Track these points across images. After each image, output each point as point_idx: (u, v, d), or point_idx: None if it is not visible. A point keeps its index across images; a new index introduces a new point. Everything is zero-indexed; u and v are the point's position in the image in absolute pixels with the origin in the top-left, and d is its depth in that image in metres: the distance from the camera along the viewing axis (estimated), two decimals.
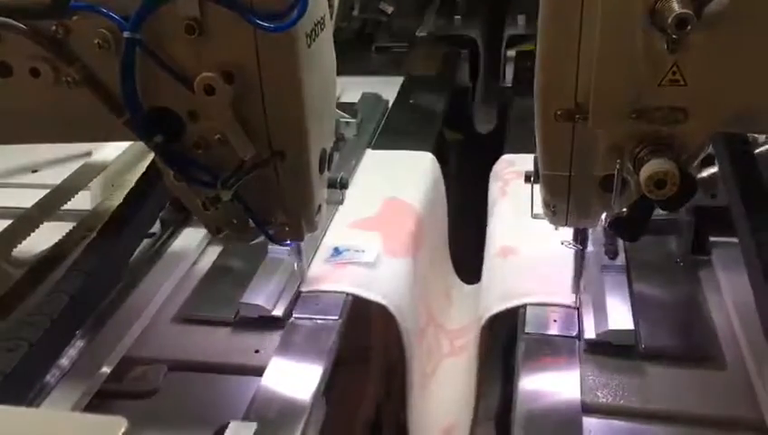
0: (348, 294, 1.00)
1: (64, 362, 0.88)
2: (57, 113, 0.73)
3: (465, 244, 1.37)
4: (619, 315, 0.91)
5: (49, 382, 0.85)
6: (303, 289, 1.01)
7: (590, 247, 1.00)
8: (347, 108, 1.37)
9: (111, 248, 0.89)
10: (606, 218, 0.85)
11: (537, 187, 0.81)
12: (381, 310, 1.00)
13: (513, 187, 1.22)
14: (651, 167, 0.63)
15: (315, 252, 1.08)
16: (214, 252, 1.14)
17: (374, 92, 1.54)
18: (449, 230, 1.36)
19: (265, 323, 0.97)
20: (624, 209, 0.78)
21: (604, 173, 0.73)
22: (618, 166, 0.69)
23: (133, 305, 1.00)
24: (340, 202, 1.04)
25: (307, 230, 0.82)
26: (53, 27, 0.67)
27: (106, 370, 0.89)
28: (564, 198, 0.78)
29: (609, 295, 0.94)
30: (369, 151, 1.37)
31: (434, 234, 1.27)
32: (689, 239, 1.04)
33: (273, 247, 1.04)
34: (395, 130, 1.46)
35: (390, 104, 1.56)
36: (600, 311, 0.93)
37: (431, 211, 1.26)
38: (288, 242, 0.86)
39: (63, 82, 0.69)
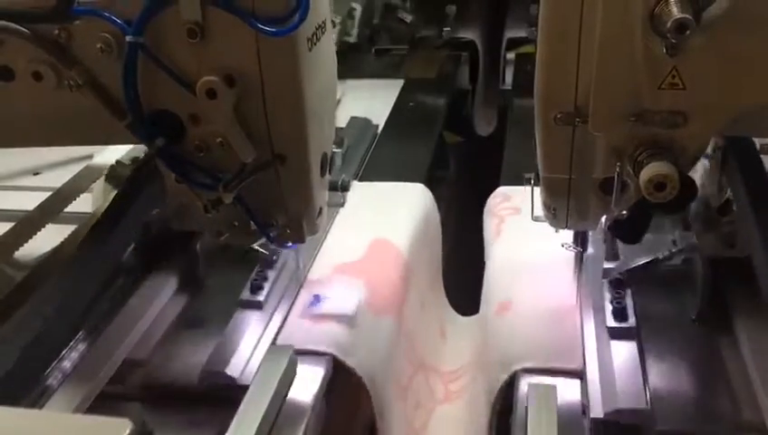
0: (328, 354, 0.90)
1: (66, 364, 0.88)
2: (59, 117, 0.74)
3: (464, 254, 1.35)
4: (630, 391, 0.82)
5: (51, 385, 0.85)
6: (279, 344, 0.91)
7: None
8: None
9: (104, 247, 0.86)
10: (606, 222, 0.85)
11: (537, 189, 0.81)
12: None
13: (508, 224, 1.13)
14: (651, 170, 0.64)
15: (295, 297, 0.98)
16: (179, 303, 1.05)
17: (363, 117, 1.44)
18: (447, 240, 1.34)
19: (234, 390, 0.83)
20: (624, 212, 0.79)
21: (604, 176, 0.73)
22: (617, 169, 0.69)
23: (136, 305, 0.98)
24: (341, 205, 1.04)
25: (308, 233, 0.82)
26: (56, 31, 0.68)
27: (108, 372, 0.90)
28: (564, 200, 0.78)
29: (618, 365, 0.85)
30: (355, 183, 1.24)
31: (424, 275, 1.18)
32: (706, 295, 0.91)
33: (244, 297, 0.97)
34: (394, 135, 1.46)
35: (390, 108, 1.56)
36: (609, 384, 0.83)
37: (421, 250, 1.16)
38: (289, 244, 0.86)
39: (66, 86, 0.70)
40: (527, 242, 0.85)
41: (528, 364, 0.88)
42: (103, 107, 0.70)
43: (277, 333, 0.93)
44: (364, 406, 1.01)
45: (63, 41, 0.68)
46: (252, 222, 0.79)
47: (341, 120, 1.37)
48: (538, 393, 0.76)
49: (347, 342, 0.92)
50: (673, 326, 0.92)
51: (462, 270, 1.36)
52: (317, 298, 0.97)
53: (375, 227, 1.13)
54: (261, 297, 0.96)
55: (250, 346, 0.90)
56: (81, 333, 0.91)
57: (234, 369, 0.87)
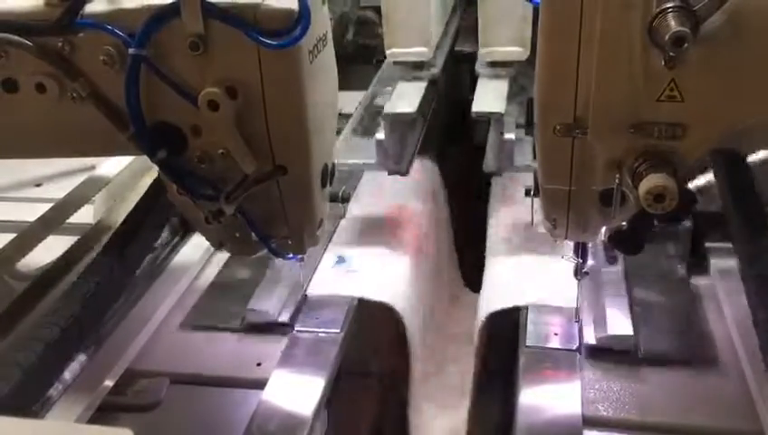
0: (353, 298, 1.02)
1: (66, 375, 0.88)
2: (62, 128, 0.74)
3: (466, 253, 1.37)
4: (619, 321, 0.93)
5: (51, 396, 0.85)
6: (310, 293, 1.04)
7: (590, 262, 1.01)
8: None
9: (116, 264, 0.89)
10: (606, 232, 0.86)
11: (537, 200, 0.82)
12: (384, 318, 1.01)
13: (510, 192, 1.26)
14: (650, 181, 0.64)
15: (321, 258, 1.10)
16: (219, 261, 1.16)
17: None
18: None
19: (271, 329, 0.99)
20: (624, 223, 0.79)
21: (603, 187, 0.73)
22: (617, 180, 0.70)
23: (137, 317, 1.00)
24: (342, 216, 1.05)
25: (309, 244, 0.82)
26: (59, 44, 0.68)
27: (109, 383, 0.90)
28: (564, 211, 0.78)
29: (608, 301, 0.97)
30: None
31: (438, 239, 1.31)
32: (687, 245, 1.06)
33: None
34: None
35: None
36: (600, 316, 0.95)
37: (434, 217, 1.29)
38: (290, 256, 0.87)
39: (69, 98, 0.70)
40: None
41: (528, 301, 0.99)
42: (106, 119, 0.71)
43: (309, 282, 1.06)
44: (366, 417, 1.01)
45: (67, 53, 0.69)
46: (253, 233, 0.80)
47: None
48: None
49: (373, 285, 1.05)
50: (658, 270, 1.06)
51: (463, 273, 1.37)
52: (341, 259, 1.10)
53: (392, 196, 1.27)
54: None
55: (285, 293, 1.03)
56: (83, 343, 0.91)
57: (274, 308, 1.00)
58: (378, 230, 1.19)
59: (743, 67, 0.61)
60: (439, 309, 1.25)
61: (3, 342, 0.90)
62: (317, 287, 1.06)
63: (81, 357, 0.91)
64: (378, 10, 1.81)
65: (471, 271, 1.37)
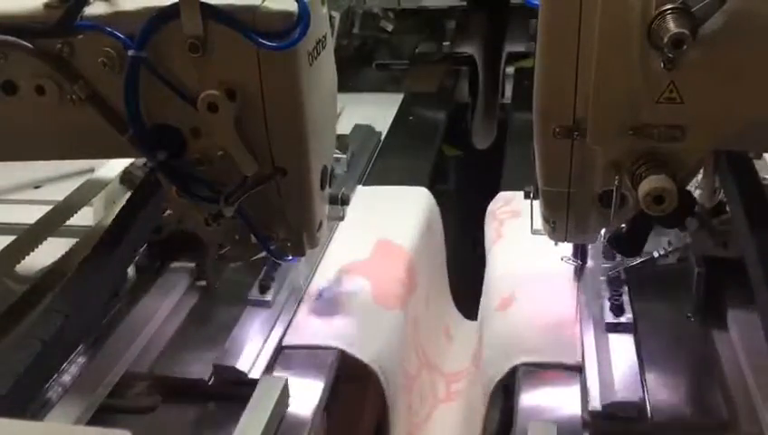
0: (335, 349, 0.92)
1: (66, 378, 0.88)
2: (61, 130, 0.74)
3: (465, 265, 1.36)
4: (626, 384, 0.82)
5: (50, 398, 0.85)
6: (287, 342, 0.93)
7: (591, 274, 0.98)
8: (337, 141, 1.16)
9: (106, 264, 0.87)
10: (605, 235, 0.86)
11: (536, 202, 0.82)
12: None
13: (507, 228, 1.14)
14: (649, 183, 0.64)
15: (302, 296, 1.00)
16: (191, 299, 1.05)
17: (367, 124, 1.47)
18: (448, 251, 1.35)
19: (243, 384, 0.86)
20: (623, 225, 0.79)
21: (603, 189, 0.73)
22: (616, 182, 0.70)
23: (136, 319, 0.99)
24: (341, 218, 1.05)
25: (308, 246, 0.82)
26: (59, 46, 0.68)
27: (108, 385, 0.89)
28: (564, 213, 0.78)
29: (615, 359, 0.86)
30: (360, 188, 1.28)
31: (429, 274, 1.21)
32: (701, 293, 0.93)
33: (253, 297, 0.97)
34: (394, 148, 1.47)
35: (390, 121, 1.57)
36: (606, 377, 0.84)
37: (426, 250, 1.19)
38: (289, 258, 0.87)
39: (68, 100, 0.70)
40: (527, 243, 0.87)
41: (529, 359, 0.89)
42: (105, 121, 0.71)
43: (285, 330, 0.94)
44: (365, 420, 1.01)
45: (66, 55, 0.69)
46: (252, 235, 0.80)
47: (343, 130, 1.38)
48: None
49: (354, 335, 0.94)
50: (669, 322, 0.93)
51: (461, 282, 1.37)
52: (321, 294, 1.00)
53: (379, 229, 1.15)
54: (269, 297, 0.96)
55: (259, 343, 0.91)
56: (81, 345, 0.91)
57: (244, 363, 0.88)
58: (363, 268, 1.07)
59: (742, 68, 0.61)
60: (431, 348, 1.15)
61: (2, 344, 0.90)
62: (294, 335, 0.94)
63: (80, 359, 0.91)
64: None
65: (467, 297, 1.26)
